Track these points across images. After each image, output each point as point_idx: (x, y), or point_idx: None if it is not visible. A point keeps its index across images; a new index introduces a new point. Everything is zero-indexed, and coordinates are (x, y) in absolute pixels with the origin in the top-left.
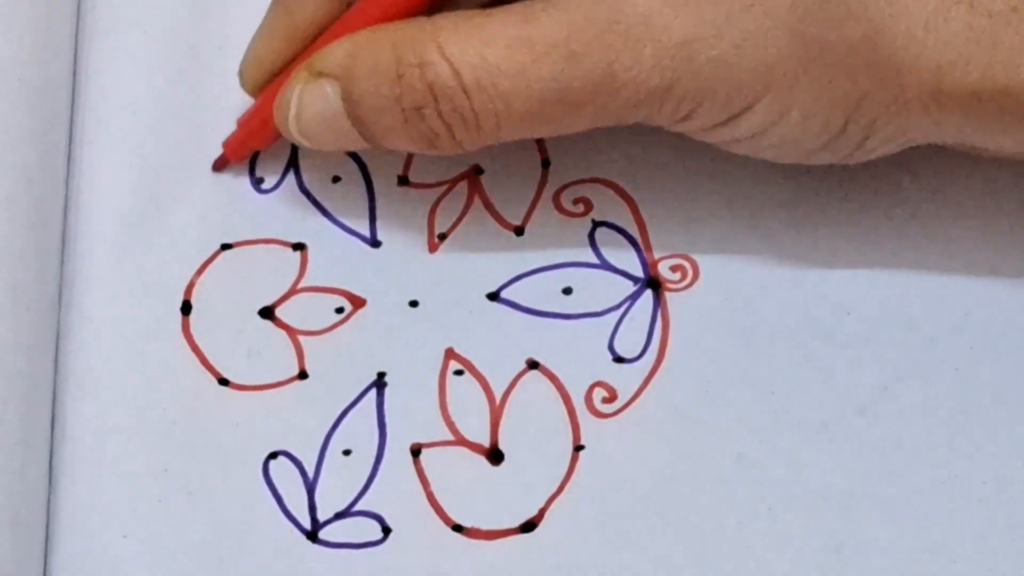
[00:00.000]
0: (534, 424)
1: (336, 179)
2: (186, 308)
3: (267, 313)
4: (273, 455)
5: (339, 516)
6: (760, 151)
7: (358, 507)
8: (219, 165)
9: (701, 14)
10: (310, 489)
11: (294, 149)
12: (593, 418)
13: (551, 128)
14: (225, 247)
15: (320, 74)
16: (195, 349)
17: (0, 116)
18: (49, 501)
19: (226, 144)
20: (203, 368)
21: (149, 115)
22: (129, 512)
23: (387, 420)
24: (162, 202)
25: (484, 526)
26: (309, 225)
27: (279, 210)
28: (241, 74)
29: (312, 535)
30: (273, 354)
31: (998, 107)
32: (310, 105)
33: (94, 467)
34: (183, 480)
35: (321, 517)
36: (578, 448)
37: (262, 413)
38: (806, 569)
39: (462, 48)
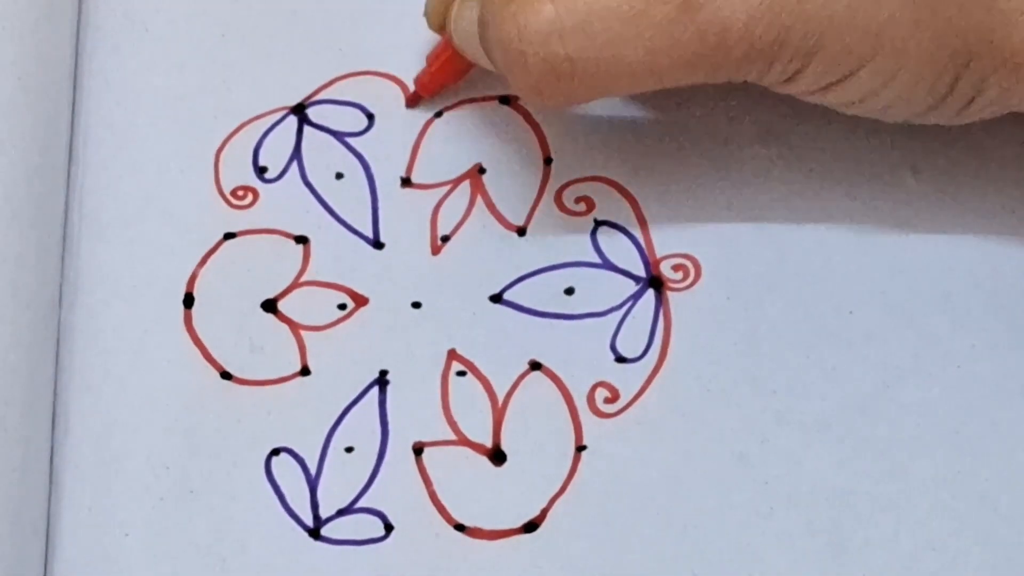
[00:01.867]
0: (536, 424)
1: (339, 175)
2: (188, 301)
3: (269, 306)
4: (275, 451)
5: (341, 513)
6: (869, 112)
7: (360, 504)
8: (412, 101)
9: None
10: (312, 486)
11: (298, 137)
12: (595, 418)
13: (653, 82)
14: (228, 236)
15: None
16: (197, 342)
17: (0, 116)
18: (50, 500)
19: (417, 80)
20: (206, 362)
21: (149, 114)
22: (131, 510)
23: (389, 418)
24: (165, 194)
25: (486, 526)
26: (312, 218)
27: (282, 200)
28: (427, 14)
29: (314, 532)
30: (276, 349)
31: None
32: (463, 19)
33: (96, 465)
34: (185, 477)
35: (323, 514)
36: (580, 448)
37: (265, 409)
38: (806, 569)
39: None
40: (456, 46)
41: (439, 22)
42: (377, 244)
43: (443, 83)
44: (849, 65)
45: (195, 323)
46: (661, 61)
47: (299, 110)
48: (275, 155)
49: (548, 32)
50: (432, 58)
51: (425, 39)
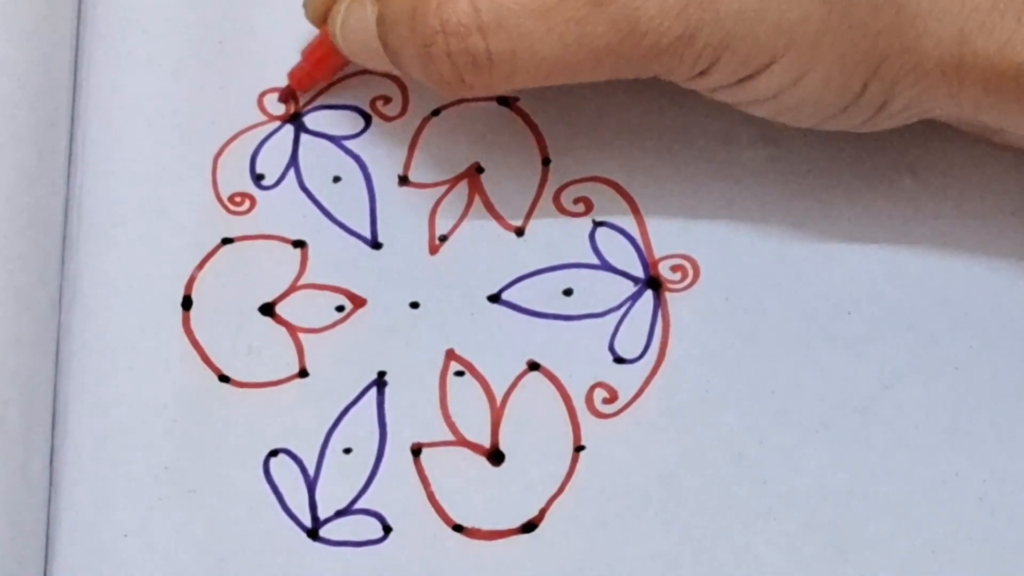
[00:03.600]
0: (535, 425)
1: (336, 179)
2: (187, 303)
3: (267, 310)
4: (274, 453)
5: (340, 514)
6: (778, 113)
7: (359, 505)
8: (284, 96)
9: None
10: (311, 487)
11: (295, 146)
12: (594, 419)
13: (566, 76)
14: (226, 241)
15: None
16: (195, 345)
17: (0, 116)
18: (50, 500)
19: (291, 75)
20: (204, 365)
21: (149, 114)
22: (130, 511)
23: (387, 419)
24: (163, 198)
25: (484, 526)
26: (309, 223)
27: (279, 207)
28: (305, 3)
29: (313, 533)
30: (273, 351)
31: (1017, 85)
32: (352, 18)
33: (95, 466)
34: (184, 478)
35: (322, 515)
36: (579, 449)
37: (263, 411)
38: (806, 569)
39: None
40: (339, 45)
41: (319, 16)
42: (375, 244)
43: (319, 79)
44: (759, 60)
45: (193, 325)
46: (574, 55)
47: (296, 118)
48: (272, 163)
49: (468, 25)
50: (309, 52)
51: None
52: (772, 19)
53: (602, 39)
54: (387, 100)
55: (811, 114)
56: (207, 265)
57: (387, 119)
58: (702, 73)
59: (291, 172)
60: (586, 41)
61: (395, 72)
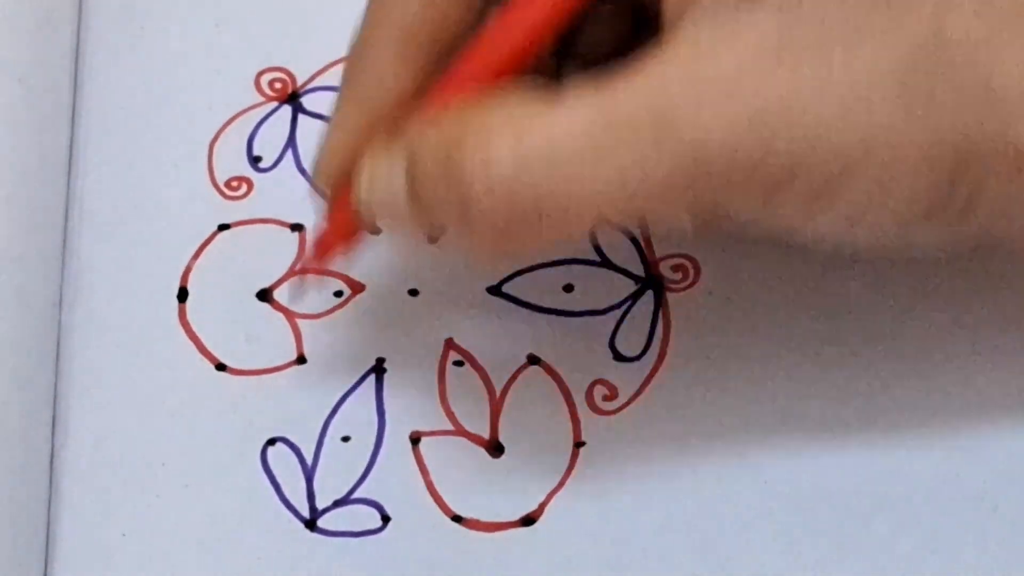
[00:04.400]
0: (534, 419)
1: None
2: (183, 295)
3: (265, 296)
4: (271, 441)
5: (338, 504)
6: (854, 232)
7: (357, 494)
8: (302, 272)
9: (798, 74)
10: (308, 476)
11: (292, 126)
12: (594, 415)
13: (627, 217)
14: (223, 227)
15: (392, 148)
16: (192, 336)
17: (0, 116)
18: (50, 500)
19: (316, 245)
20: (200, 355)
21: (147, 111)
22: (129, 510)
23: (386, 407)
24: (161, 187)
25: (484, 518)
26: (307, 206)
27: (277, 189)
28: (316, 170)
29: (311, 523)
30: (271, 338)
31: None
32: (379, 177)
33: (95, 465)
34: (181, 472)
35: (320, 505)
36: (578, 444)
37: (260, 398)
38: (806, 569)
39: (533, 121)
40: (369, 214)
41: (334, 176)
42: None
43: (336, 251)
44: (837, 170)
45: (189, 317)
46: (635, 190)
47: (293, 99)
48: (269, 144)
49: (516, 174)
50: (327, 218)
51: None
52: (852, 126)
53: (667, 168)
54: None
55: (891, 222)
56: (203, 254)
57: None
58: (771, 196)
59: (289, 153)
60: (649, 173)
61: (420, 238)
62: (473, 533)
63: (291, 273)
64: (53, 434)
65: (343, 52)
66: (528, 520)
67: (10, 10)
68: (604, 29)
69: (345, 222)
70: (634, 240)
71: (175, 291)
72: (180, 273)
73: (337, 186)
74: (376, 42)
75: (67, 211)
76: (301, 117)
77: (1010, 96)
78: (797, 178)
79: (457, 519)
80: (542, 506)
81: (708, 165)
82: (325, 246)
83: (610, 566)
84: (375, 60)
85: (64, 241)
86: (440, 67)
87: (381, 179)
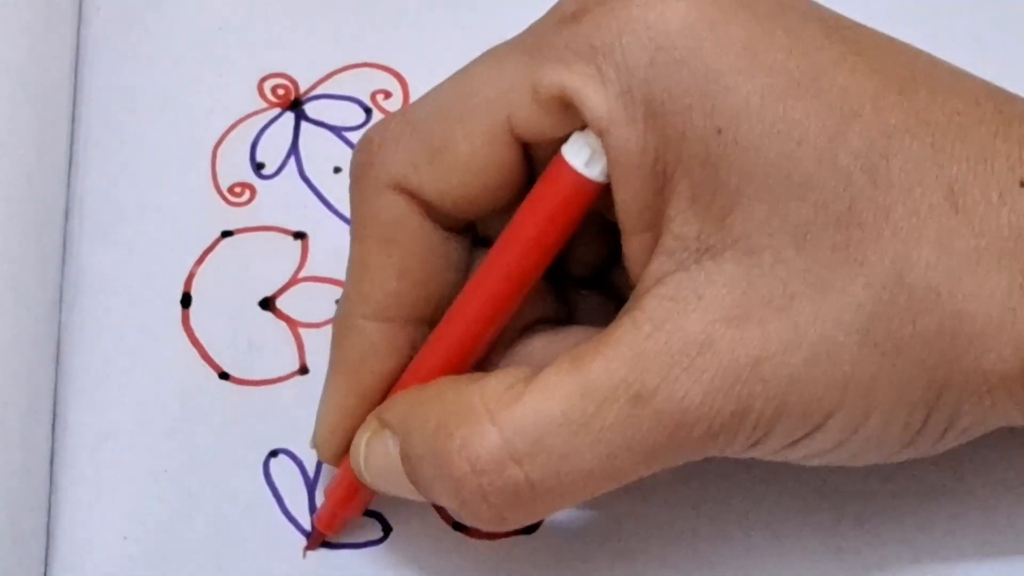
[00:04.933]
0: None
1: (337, 169)
2: (186, 300)
3: (267, 304)
4: (274, 453)
5: None
6: (838, 460)
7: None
8: (313, 544)
9: (766, 331)
10: (311, 488)
11: (295, 134)
12: None
13: (615, 483)
14: (226, 234)
15: (385, 424)
16: (195, 343)
17: (0, 116)
18: (50, 501)
19: (317, 519)
20: (203, 362)
21: (148, 113)
22: (129, 513)
23: None
24: (164, 192)
25: None
26: (310, 214)
27: (280, 197)
28: (317, 446)
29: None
30: (274, 347)
31: None
32: (376, 455)
33: (95, 467)
34: (184, 480)
35: None
36: None
37: (263, 409)
38: (806, 569)
39: (513, 409)
40: (367, 483)
41: (336, 455)
42: None
43: (348, 517)
44: (815, 420)
45: (193, 323)
46: (622, 461)
47: (296, 106)
48: (272, 151)
49: (502, 459)
50: (331, 492)
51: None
52: (823, 377)
53: (649, 438)
54: (388, 95)
55: (873, 455)
56: (206, 260)
57: (387, 113)
58: (756, 443)
59: (291, 161)
60: (633, 443)
61: (423, 501)
62: (474, 541)
63: (294, 281)
64: (53, 434)
65: (346, 60)
66: (530, 527)
67: (10, 10)
68: (592, 245)
69: (349, 492)
70: None
71: (178, 296)
72: (183, 278)
73: (337, 460)
74: (357, 317)
75: (67, 212)
76: (304, 124)
77: (975, 328)
78: (774, 430)
79: (459, 527)
80: None
81: (688, 429)
82: (333, 517)
83: (611, 571)
84: (360, 332)
85: (64, 242)
86: (425, 330)
87: (376, 454)
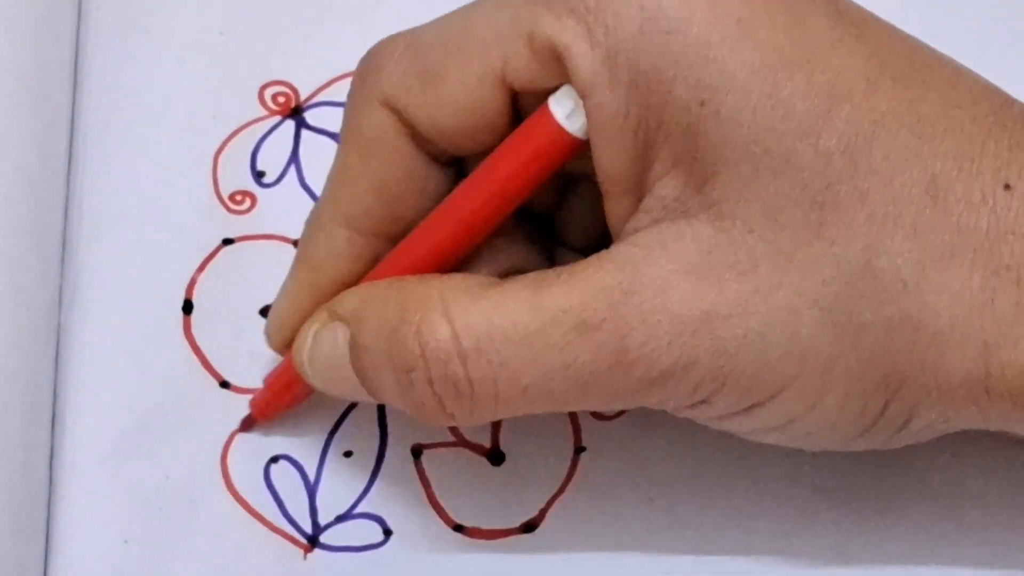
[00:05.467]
0: (535, 426)
1: None
2: (187, 307)
3: (267, 313)
4: (274, 459)
5: (340, 519)
6: (789, 440)
7: (359, 509)
8: (246, 426)
9: (724, 288)
10: (311, 493)
11: (296, 142)
12: (594, 421)
13: (551, 404)
14: (227, 242)
15: (336, 316)
16: (196, 350)
17: (0, 116)
18: (50, 505)
19: (253, 404)
20: (204, 371)
21: (148, 116)
22: (130, 518)
23: (388, 421)
24: (164, 197)
25: (485, 525)
26: None
27: (280, 205)
28: (267, 332)
29: (313, 539)
30: (274, 356)
31: None
32: (322, 347)
33: (95, 472)
34: (185, 486)
35: (322, 521)
36: (579, 450)
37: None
38: (806, 569)
39: (467, 309)
40: (307, 375)
41: (284, 342)
42: None
43: (282, 408)
44: (768, 389)
45: (194, 330)
46: (558, 384)
47: (296, 113)
48: (273, 159)
49: (448, 351)
50: (272, 380)
51: None
52: (779, 345)
53: (587, 368)
54: None
55: (827, 439)
56: (207, 267)
57: None
58: (700, 402)
59: (292, 169)
60: (571, 370)
61: (362, 400)
62: (475, 541)
63: None
64: (53, 435)
65: (346, 67)
66: (530, 527)
67: (10, 10)
68: (585, 212)
69: (289, 383)
70: None
71: (179, 302)
72: (185, 285)
73: (285, 349)
74: (328, 220)
75: (67, 216)
76: (304, 132)
77: (939, 324)
78: (721, 391)
79: (459, 528)
80: (543, 512)
81: (627, 367)
82: (268, 405)
83: (612, 571)
84: (328, 235)
85: (64, 244)
86: (391, 245)
87: (323, 346)
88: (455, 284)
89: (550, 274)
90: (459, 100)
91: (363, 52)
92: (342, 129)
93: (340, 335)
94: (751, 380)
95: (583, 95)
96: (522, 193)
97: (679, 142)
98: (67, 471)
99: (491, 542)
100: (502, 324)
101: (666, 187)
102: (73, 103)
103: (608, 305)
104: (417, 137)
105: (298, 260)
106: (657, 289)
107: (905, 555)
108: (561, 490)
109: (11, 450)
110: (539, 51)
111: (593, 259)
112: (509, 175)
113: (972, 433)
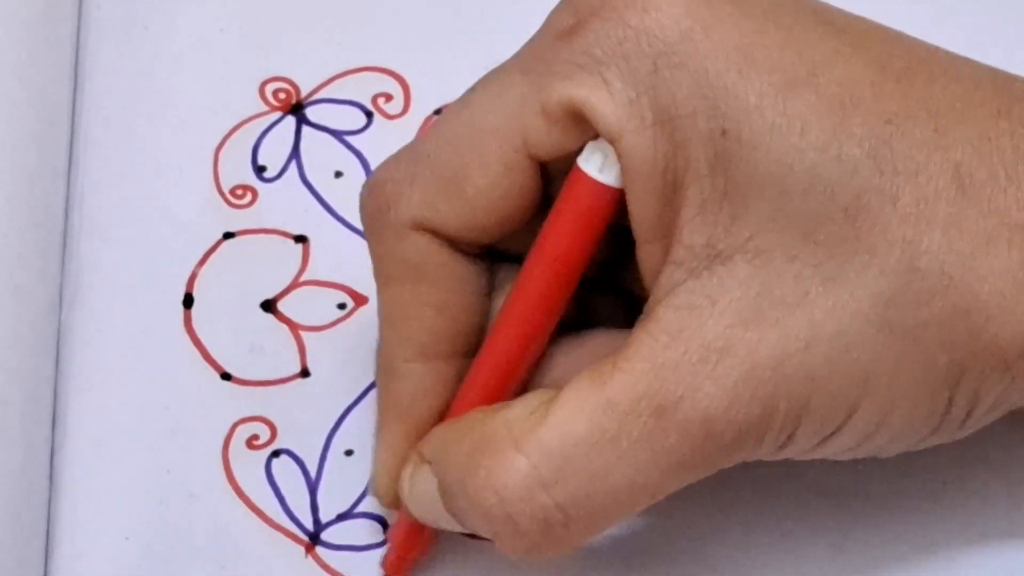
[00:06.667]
0: None
1: (338, 174)
2: (188, 301)
3: (269, 306)
4: (276, 454)
5: (341, 518)
6: (867, 452)
7: (360, 508)
8: None
9: (785, 329)
10: (312, 490)
11: (296, 138)
12: None
13: (647, 499)
14: (227, 236)
15: (423, 459)
16: (197, 343)
17: (0, 116)
18: (50, 501)
19: (387, 565)
20: (205, 363)
21: (149, 113)
22: (130, 514)
23: None
24: (165, 192)
25: None
26: (311, 218)
27: (281, 200)
28: (377, 492)
29: (314, 537)
30: (275, 349)
31: None
32: (418, 487)
33: (95, 467)
34: (185, 480)
35: (323, 519)
36: None
37: (265, 410)
38: (806, 569)
39: (536, 434)
40: (414, 515)
41: (393, 496)
42: None
43: (415, 558)
44: (840, 416)
45: (195, 323)
46: (650, 476)
47: (297, 109)
48: (274, 154)
49: (529, 487)
50: (395, 536)
51: (430, 35)
52: (844, 371)
53: (677, 449)
54: (389, 98)
55: (899, 446)
56: (208, 261)
57: (389, 117)
58: (784, 445)
59: (293, 164)
60: (661, 457)
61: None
62: (475, 541)
63: (295, 284)
64: (53, 434)
65: (347, 63)
66: None
67: (10, 10)
68: (600, 247)
69: (412, 534)
70: None
71: (180, 296)
72: (185, 279)
73: (394, 501)
74: (400, 361)
75: (67, 213)
76: (305, 128)
77: (989, 306)
78: (800, 429)
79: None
80: None
81: (716, 437)
82: (401, 561)
83: (611, 570)
84: (406, 375)
85: (64, 242)
86: (469, 358)
87: (418, 488)
88: (518, 412)
89: (605, 366)
90: (490, 195)
91: (363, 47)
92: (377, 267)
93: (430, 477)
94: (825, 412)
95: (613, 142)
96: (583, 264)
97: (706, 177)
98: (67, 466)
99: (492, 543)
100: (578, 435)
101: (695, 232)
102: (74, 99)
103: (679, 381)
104: (455, 244)
105: (385, 410)
106: (722, 350)
107: (905, 555)
108: None
109: (11, 445)
110: (557, 119)
111: (642, 335)
112: (566, 250)
113: (972, 433)
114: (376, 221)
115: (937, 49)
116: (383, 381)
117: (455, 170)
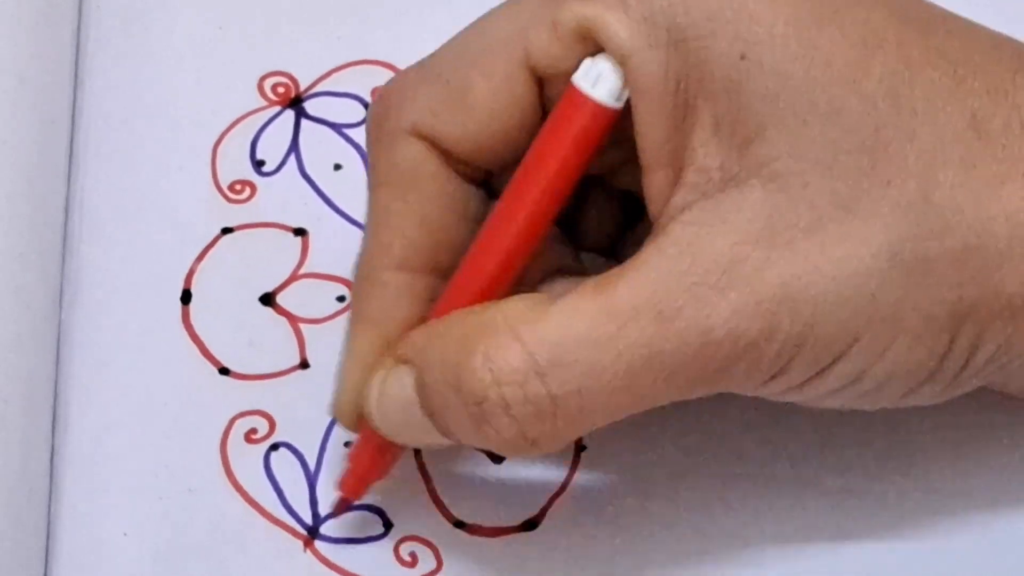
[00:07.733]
0: None
1: (337, 166)
2: (186, 297)
3: (268, 300)
4: (274, 447)
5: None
6: (853, 400)
7: (360, 501)
8: (340, 508)
9: (795, 251)
10: (311, 483)
11: (295, 131)
12: None
13: (637, 405)
14: (226, 231)
15: (400, 359)
16: (195, 339)
17: (0, 116)
18: (50, 499)
19: (341, 484)
20: (203, 358)
21: (148, 111)
22: (130, 510)
23: None
24: (164, 189)
25: (486, 523)
26: (310, 211)
27: (280, 194)
28: (338, 408)
29: (313, 531)
30: (274, 342)
31: None
32: (390, 392)
33: (95, 465)
34: (184, 476)
35: (322, 511)
36: (580, 448)
37: (264, 404)
38: (806, 569)
39: (535, 326)
40: (378, 427)
41: (354, 415)
42: None
43: (372, 480)
44: (840, 345)
45: (193, 319)
46: (643, 379)
47: (296, 103)
48: (272, 149)
49: (524, 371)
50: (353, 456)
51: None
52: (851, 298)
53: (672, 357)
54: None
55: (893, 391)
56: (206, 257)
57: None
58: (777, 374)
59: (292, 158)
60: (656, 362)
61: (437, 445)
62: (475, 538)
63: (294, 277)
64: (53, 434)
65: (346, 57)
66: (530, 524)
67: (10, 10)
68: (601, 214)
69: (372, 453)
70: None
71: (178, 293)
72: (183, 275)
73: (354, 422)
74: (379, 269)
75: (67, 211)
76: (304, 122)
77: (1000, 247)
78: (799, 355)
79: (459, 524)
80: (544, 510)
81: (714, 349)
82: (357, 481)
83: (612, 569)
84: (383, 283)
85: (64, 240)
86: (444, 281)
87: (390, 393)
88: (516, 306)
89: (611, 275)
90: (490, 105)
91: (362, 41)
92: (371, 173)
93: (407, 378)
94: (828, 338)
95: (623, 61)
96: (571, 183)
97: (721, 100)
98: (67, 462)
99: (491, 539)
100: (577, 332)
101: (709, 155)
102: (74, 97)
103: (683, 290)
104: (451, 160)
105: (355, 318)
106: (730, 263)
107: (905, 555)
108: (562, 488)
109: (11, 442)
110: (563, 34)
111: (651, 248)
112: (555, 168)
113: (973, 432)
114: (376, 125)
115: (956, 14)
116: (358, 288)
117: (458, 78)
